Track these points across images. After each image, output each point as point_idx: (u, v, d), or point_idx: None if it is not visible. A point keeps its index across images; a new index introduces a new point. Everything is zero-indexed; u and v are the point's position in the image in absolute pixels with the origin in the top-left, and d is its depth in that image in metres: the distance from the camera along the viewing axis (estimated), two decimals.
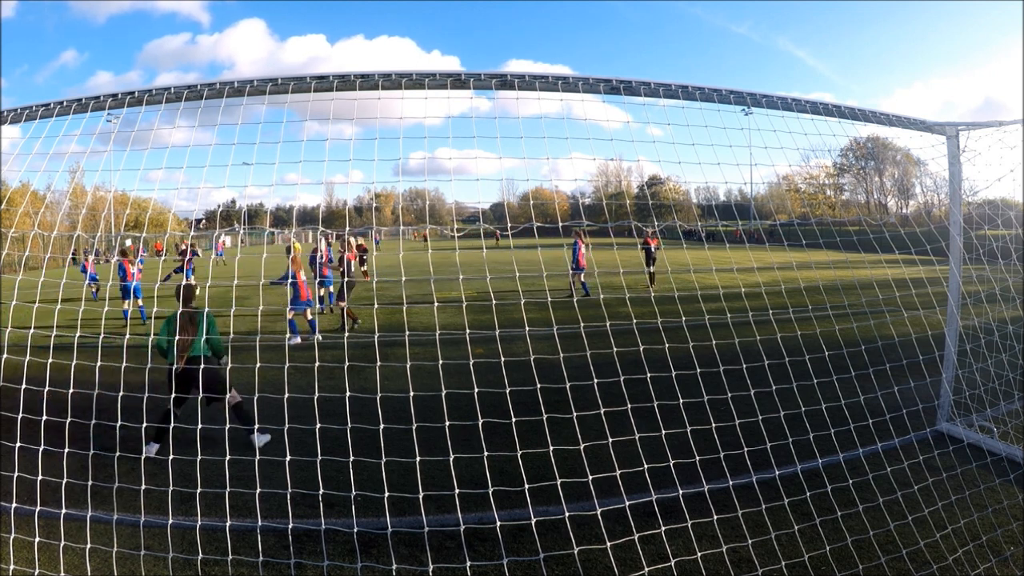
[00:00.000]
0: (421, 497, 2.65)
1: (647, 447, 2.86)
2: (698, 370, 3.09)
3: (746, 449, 2.99)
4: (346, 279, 9.14)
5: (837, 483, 3.14)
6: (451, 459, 2.62)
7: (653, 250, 14.39)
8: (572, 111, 3.71)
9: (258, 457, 2.85)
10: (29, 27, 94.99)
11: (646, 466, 2.78)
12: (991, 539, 3.10)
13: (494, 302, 3.06)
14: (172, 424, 3.34)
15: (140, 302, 11.19)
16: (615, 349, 3.07)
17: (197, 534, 2.87)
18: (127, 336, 3.34)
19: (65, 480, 2.99)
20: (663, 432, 2.85)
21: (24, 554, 2.99)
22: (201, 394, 3.79)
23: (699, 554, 2.68)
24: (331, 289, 11.49)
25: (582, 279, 13.03)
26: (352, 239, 11.82)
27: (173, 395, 4.16)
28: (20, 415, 3.00)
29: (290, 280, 8.46)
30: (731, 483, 2.98)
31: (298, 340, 8.35)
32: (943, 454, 3.65)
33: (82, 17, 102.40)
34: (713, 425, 2.96)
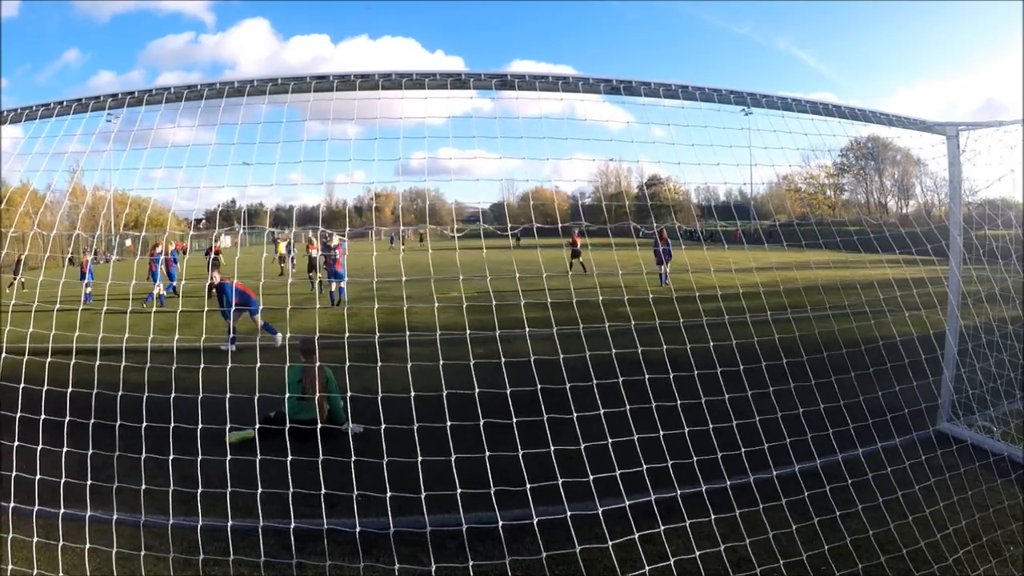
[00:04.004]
0: (423, 497, 2.65)
1: (646, 447, 2.86)
2: (695, 371, 3.09)
3: (744, 450, 2.99)
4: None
5: (837, 483, 3.15)
6: (453, 459, 2.62)
7: (578, 247, 17.55)
8: (574, 111, 3.72)
9: (259, 457, 2.85)
10: (31, 26, 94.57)
11: (644, 467, 2.78)
12: (991, 539, 3.10)
13: (494, 302, 3.06)
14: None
15: (90, 288, 12.10)
16: (613, 350, 3.07)
17: (198, 534, 2.86)
18: (126, 335, 3.34)
19: (63, 479, 2.99)
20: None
21: (23, 554, 2.99)
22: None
23: (697, 553, 2.69)
24: (343, 284, 12.23)
25: (664, 270, 14.42)
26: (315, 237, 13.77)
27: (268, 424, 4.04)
28: (19, 414, 3.01)
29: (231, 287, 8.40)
30: (729, 483, 2.98)
31: (279, 338, 8.26)
32: (943, 454, 3.65)
33: (86, 16, 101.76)
34: (711, 426, 2.96)
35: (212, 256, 14.46)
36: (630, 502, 2.67)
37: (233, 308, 8.21)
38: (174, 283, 13.70)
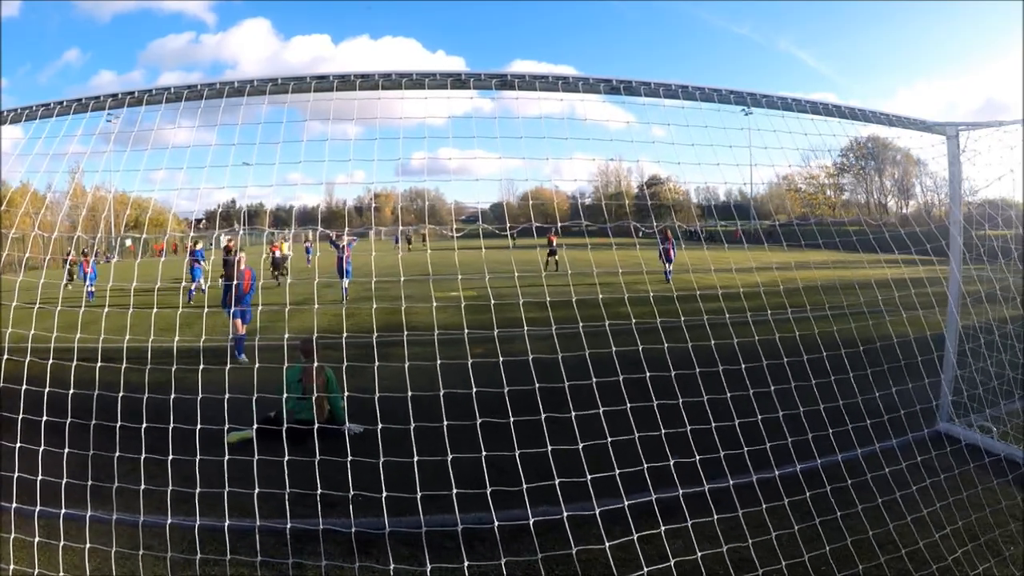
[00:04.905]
0: (420, 497, 2.65)
1: (646, 447, 2.87)
2: (697, 370, 3.09)
3: (746, 449, 2.99)
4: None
5: (837, 483, 3.14)
6: (450, 459, 2.62)
7: (554, 246, 19.20)
8: (574, 111, 3.72)
9: (256, 457, 2.86)
10: (32, 26, 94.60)
11: (645, 466, 2.78)
12: (990, 539, 3.10)
13: (493, 302, 3.06)
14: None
15: (92, 287, 13.33)
16: (614, 349, 3.07)
17: (197, 534, 2.88)
18: (126, 336, 3.35)
19: (65, 480, 3.00)
20: (663, 432, 2.85)
21: (24, 554, 2.99)
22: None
23: (699, 554, 2.69)
24: (345, 284, 12.97)
25: (668, 268, 15.83)
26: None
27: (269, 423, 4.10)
28: (20, 415, 3.01)
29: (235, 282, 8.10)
30: (731, 483, 2.98)
31: (243, 358, 7.65)
32: (942, 454, 3.65)
33: (87, 16, 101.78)
34: (713, 425, 2.96)
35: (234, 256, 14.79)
36: (629, 502, 2.67)
37: (236, 308, 8.06)
38: (199, 281, 14.34)
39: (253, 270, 8.72)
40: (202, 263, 14.79)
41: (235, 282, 8.04)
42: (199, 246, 15.78)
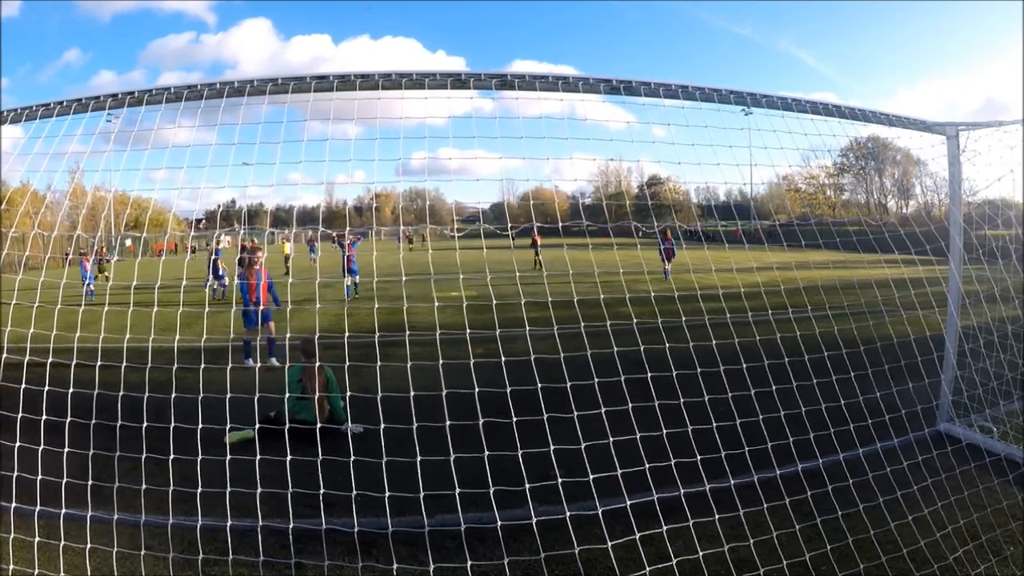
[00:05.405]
0: (422, 497, 2.65)
1: (648, 447, 2.87)
2: (698, 370, 3.09)
3: (747, 448, 2.99)
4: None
5: (837, 483, 3.14)
6: (452, 459, 2.62)
7: (538, 246, 19.47)
8: (574, 111, 3.72)
9: (258, 457, 2.85)
10: (32, 26, 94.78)
11: (647, 465, 2.78)
12: (991, 539, 3.10)
13: (494, 302, 3.06)
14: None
15: (92, 286, 13.51)
16: (615, 349, 3.07)
17: (198, 534, 2.87)
18: (127, 336, 3.35)
19: (65, 480, 2.99)
20: (664, 431, 2.85)
21: (24, 554, 2.99)
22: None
23: (700, 554, 2.69)
24: (356, 279, 13.43)
25: (667, 266, 16.10)
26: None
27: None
28: (20, 415, 3.01)
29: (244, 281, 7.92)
30: (732, 483, 2.98)
31: (249, 362, 7.29)
32: (943, 454, 3.65)
33: (87, 16, 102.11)
34: (714, 425, 2.96)
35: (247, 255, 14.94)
36: (630, 502, 2.67)
37: (258, 309, 7.82)
38: (223, 279, 14.68)
39: (267, 270, 8.68)
40: (221, 261, 15.10)
41: (246, 281, 7.92)
42: (220, 245, 16.25)
